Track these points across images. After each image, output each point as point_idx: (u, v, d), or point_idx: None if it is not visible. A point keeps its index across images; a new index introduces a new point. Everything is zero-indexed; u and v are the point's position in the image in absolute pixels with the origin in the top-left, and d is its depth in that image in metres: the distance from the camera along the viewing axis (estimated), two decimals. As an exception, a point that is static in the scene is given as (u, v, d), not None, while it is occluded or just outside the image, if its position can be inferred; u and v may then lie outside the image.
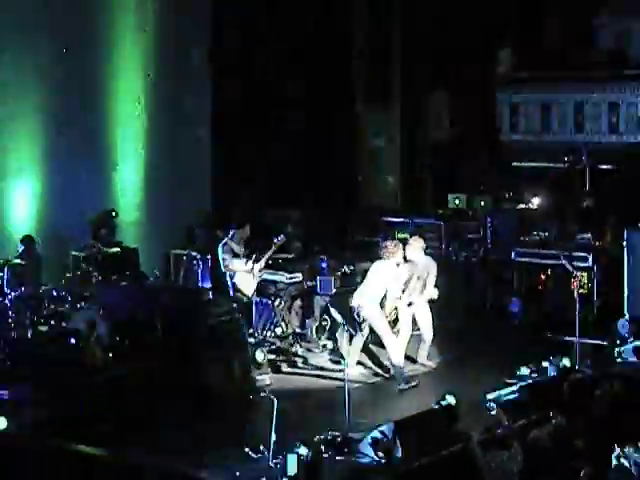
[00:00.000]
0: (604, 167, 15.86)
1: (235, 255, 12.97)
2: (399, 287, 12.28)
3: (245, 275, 12.98)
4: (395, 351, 12.16)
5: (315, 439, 9.26)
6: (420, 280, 12.43)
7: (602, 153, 16.15)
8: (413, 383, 12.00)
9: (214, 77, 16.49)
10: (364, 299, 12.19)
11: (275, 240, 13.02)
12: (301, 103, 17.40)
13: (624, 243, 13.65)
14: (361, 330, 12.36)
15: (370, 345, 12.80)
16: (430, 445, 8.93)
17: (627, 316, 13.49)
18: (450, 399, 9.77)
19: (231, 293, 13.10)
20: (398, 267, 12.25)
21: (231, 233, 13.06)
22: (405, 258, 12.42)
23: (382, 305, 12.22)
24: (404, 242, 12.65)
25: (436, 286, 12.55)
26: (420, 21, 17.91)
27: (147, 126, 15.77)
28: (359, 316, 12.20)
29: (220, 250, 13.03)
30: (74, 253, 14.22)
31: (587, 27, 17.04)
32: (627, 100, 16.22)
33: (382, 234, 15.13)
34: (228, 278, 13.13)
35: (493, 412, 8.26)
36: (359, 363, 12.53)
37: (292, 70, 17.01)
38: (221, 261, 13.03)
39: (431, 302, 12.63)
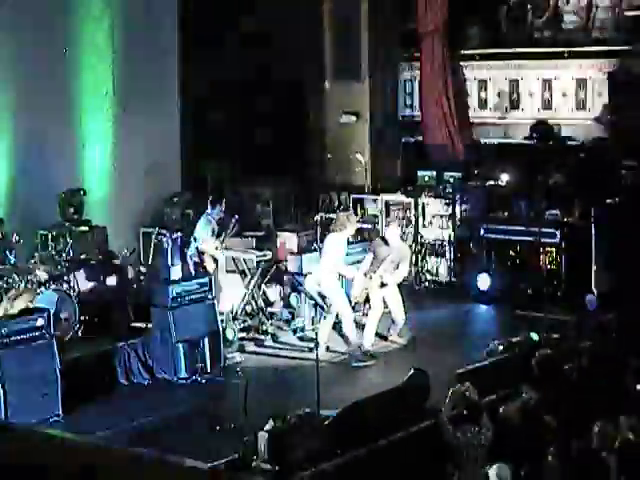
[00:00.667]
0: (572, 144, 15.93)
1: (213, 233, 12.94)
2: (369, 267, 12.31)
3: (210, 255, 12.94)
4: (351, 326, 12.18)
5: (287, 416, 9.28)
6: (393, 263, 12.45)
7: (569, 130, 16.21)
8: (369, 362, 12.01)
9: (182, 55, 16.37)
10: (321, 273, 12.21)
11: (232, 221, 13.00)
12: (269, 82, 17.33)
13: (592, 219, 13.75)
14: (331, 308, 12.39)
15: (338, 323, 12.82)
16: (398, 422, 8.97)
17: (595, 291, 13.61)
18: (419, 375, 9.83)
19: (193, 270, 13.07)
20: (345, 239, 12.24)
21: (209, 209, 13.01)
22: (384, 239, 12.47)
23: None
24: (374, 222, 12.69)
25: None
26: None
27: (115, 104, 15.63)
28: (319, 292, 12.22)
29: (202, 226, 12.95)
30: (42, 232, 14.13)
31: (555, 3, 17.06)
32: (594, 77, 16.28)
33: (351, 210, 15.13)
34: (192, 254, 13.08)
35: (462, 388, 8.30)
36: (329, 340, 12.55)
37: (260, 48, 16.93)
38: (199, 236, 12.95)
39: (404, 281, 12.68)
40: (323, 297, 12.50)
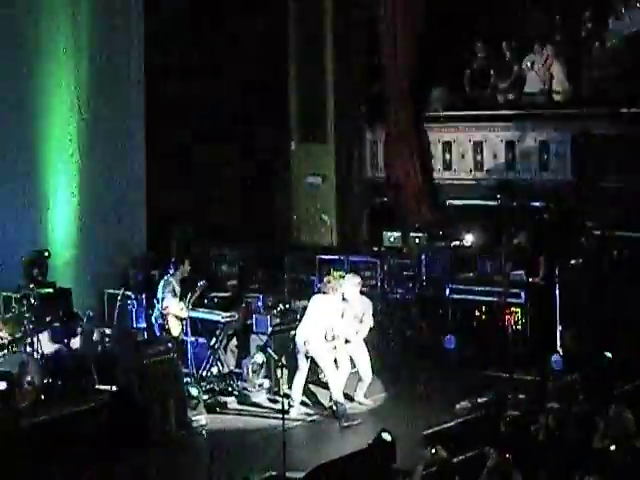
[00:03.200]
0: (536, 205, 16.09)
1: (175, 295, 12.88)
2: (341, 324, 12.30)
3: (174, 316, 12.87)
4: (338, 388, 12.17)
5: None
6: (356, 319, 12.47)
7: (533, 191, 16.39)
8: (356, 421, 12.00)
9: (147, 113, 16.42)
10: (309, 333, 12.19)
11: (198, 284, 12.97)
12: (236, 144, 17.43)
13: (556, 280, 13.84)
14: (301, 368, 12.35)
15: (308, 383, 12.78)
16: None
17: (560, 351, 13.65)
18: (386, 437, 9.78)
19: (157, 333, 13.00)
20: (340, 302, 12.29)
21: (172, 271, 12.97)
22: (343, 297, 12.47)
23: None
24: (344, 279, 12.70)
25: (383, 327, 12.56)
26: (354, 60, 18.08)
27: (80, 167, 15.63)
28: (304, 351, 12.18)
29: (161, 288, 12.92)
30: (5, 294, 14.01)
31: (518, 68, 17.36)
32: (557, 139, 16.51)
33: (318, 272, 15.15)
34: (156, 317, 13.02)
35: (433, 449, 8.28)
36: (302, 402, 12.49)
37: (228, 106, 17.05)
38: (160, 300, 12.91)
39: (365, 340, 12.65)
40: (294, 357, 12.43)
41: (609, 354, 11.85)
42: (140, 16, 16.30)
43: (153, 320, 13.02)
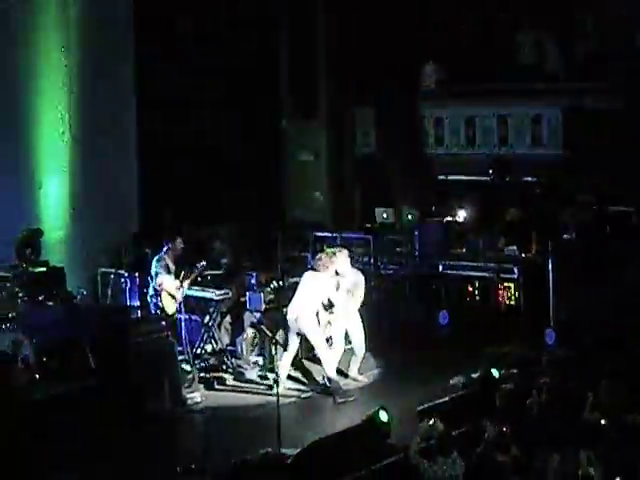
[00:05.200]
0: (528, 180, 16.10)
1: (168, 271, 12.85)
2: (334, 300, 12.30)
3: (169, 294, 12.85)
4: (331, 364, 12.18)
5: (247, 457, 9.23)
6: (350, 293, 12.47)
7: (526, 166, 16.40)
8: (351, 397, 12.02)
9: (139, 95, 16.36)
10: (300, 310, 12.19)
11: (197, 265, 12.94)
12: (227, 119, 17.38)
13: (549, 254, 13.87)
14: (291, 345, 12.37)
15: (302, 360, 12.81)
16: (360, 460, 8.94)
17: (553, 325, 13.70)
18: (381, 414, 9.80)
19: (152, 311, 12.97)
20: (332, 278, 12.28)
21: (165, 248, 12.94)
22: (336, 271, 12.46)
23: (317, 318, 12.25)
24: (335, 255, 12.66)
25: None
26: (344, 36, 18.02)
27: (71, 144, 15.58)
28: (295, 328, 12.18)
29: (155, 265, 12.87)
30: (-1, 273, 13.99)
31: (510, 42, 17.33)
32: (549, 113, 16.50)
33: (311, 248, 15.15)
34: (151, 296, 13.00)
35: (430, 422, 8.32)
36: (290, 378, 12.51)
37: (217, 87, 17.00)
38: (154, 276, 12.88)
39: (361, 315, 12.66)
40: (286, 334, 12.46)
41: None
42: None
43: (148, 298, 12.99)
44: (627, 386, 9.48)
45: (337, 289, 12.36)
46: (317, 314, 12.25)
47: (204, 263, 12.97)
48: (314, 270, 12.41)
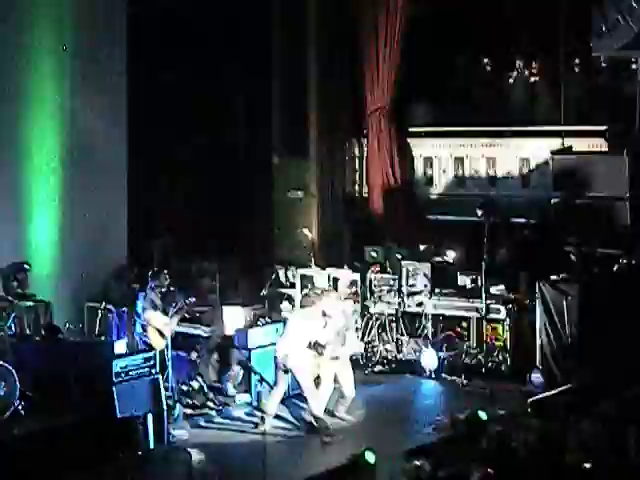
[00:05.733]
0: (517, 220, 16.16)
1: (155, 307, 12.83)
2: (325, 336, 12.27)
3: (157, 330, 12.82)
4: (317, 404, 12.13)
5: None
6: (339, 334, 12.44)
7: (515, 207, 16.46)
8: (338, 437, 11.97)
9: (129, 123, 16.40)
10: (288, 348, 12.16)
11: (186, 302, 12.93)
12: (218, 158, 17.44)
13: (536, 295, 13.89)
14: (279, 383, 12.32)
15: (289, 398, 12.76)
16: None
17: (540, 367, 13.69)
18: (367, 454, 9.74)
19: (140, 346, 12.93)
20: (320, 317, 12.26)
21: (151, 284, 12.93)
22: (324, 312, 12.45)
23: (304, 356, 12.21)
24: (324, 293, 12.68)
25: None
26: (337, 75, 18.12)
27: (62, 180, 15.60)
28: (284, 366, 12.15)
29: (141, 300, 12.87)
30: (-15, 307, 13.91)
31: (502, 83, 17.47)
32: (538, 155, 16.60)
33: (300, 286, 15.14)
34: (138, 331, 12.97)
35: (417, 462, 8.28)
36: (277, 417, 12.46)
37: (212, 120, 17.06)
38: (140, 311, 12.86)
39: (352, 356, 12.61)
40: (275, 371, 12.40)
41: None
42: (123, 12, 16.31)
43: (135, 334, 12.96)
44: (611, 428, 9.46)
45: (325, 327, 12.34)
46: (306, 351, 12.22)
47: (193, 299, 12.97)
48: (302, 307, 12.40)
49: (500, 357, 14.33)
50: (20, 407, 12.21)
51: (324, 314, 12.36)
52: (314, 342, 12.19)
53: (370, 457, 9.57)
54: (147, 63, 16.35)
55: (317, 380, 12.39)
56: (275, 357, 12.32)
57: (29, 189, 15.32)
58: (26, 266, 14.56)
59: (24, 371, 12.65)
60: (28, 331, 13.55)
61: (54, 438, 11.33)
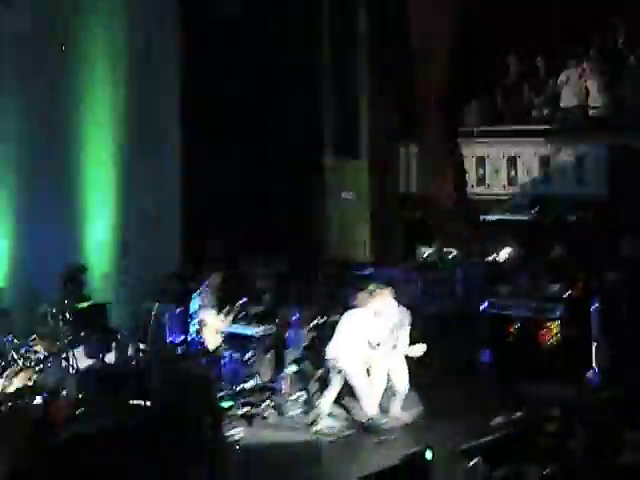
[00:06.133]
0: (572, 218, 16.03)
1: (209, 307, 12.93)
2: (374, 338, 12.26)
3: (212, 329, 12.91)
4: (370, 403, 12.13)
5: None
6: (394, 332, 12.41)
7: (569, 205, 16.33)
8: (391, 436, 11.95)
9: (182, 126, 16.54)
10: (339, 350, 12.16)
11: (240, 301, 13.02)
12: (272, 154, 17.51)
13: (592, 294, 13.76)
14: (333, 383, 12.33)
15: (344, 397, 12.76)
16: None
17: (595, 367, 13.56)
18: (426, 453, 9.72)
19: (195, 347, 13.03)
20: (372, 317, 12.25)
21: (205, 283, 13.04)
22: (376, 310, 12.42)
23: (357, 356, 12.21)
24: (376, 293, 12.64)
25: (420, 342, 12.45)
26: (388, 75, 18.11)
27: (117, 181, 15.76)
28: (335, 368, 12.17)
29: (195, 299, 12.98)
30: (42, 309, 14.07)
31: (553, 83, 17.36)
32: (592, 154, 16.46)
33: (353, 285, 15.13)
34: (194, 332, 13.07)
35: (472, 462, 8.25)
36: (331, 416, 12.46)
37: (265, 122, 17.13)
38: (195, 311, 12.97)
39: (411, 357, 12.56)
40: (327, 371, 12.42)
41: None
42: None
43: (191, 335, 13.07)
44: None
45: (378, 327, 12.31)
46: (358, 351, 12.21)
47: (246, 299, 13.05)
48: (353, 309, 12.40)
49: (555, 357, 14.20)
50: (77, 409, 12.35)
51: (377, 313, 12.34)
52: (366, 343, 12.18)
53: (429, 455, 9.56)
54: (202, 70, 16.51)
55: (369, 378, 12.38)
56: (326, 359, 12.33)
57: (84, 191, 15.49)
58: (82, 268, 14.74)
59: (80, 373, 12.81)
60: (84, 333, 13.69)
61: (109, 440, 11.44)
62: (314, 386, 12.89)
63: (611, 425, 10.17)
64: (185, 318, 13.73)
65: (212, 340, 12.83)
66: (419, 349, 12.37)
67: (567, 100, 17.18)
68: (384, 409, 12.52)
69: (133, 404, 12.47)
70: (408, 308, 12.89)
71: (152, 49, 16.21)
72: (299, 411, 12.87)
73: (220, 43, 16.73)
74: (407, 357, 12.51)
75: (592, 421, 10.18)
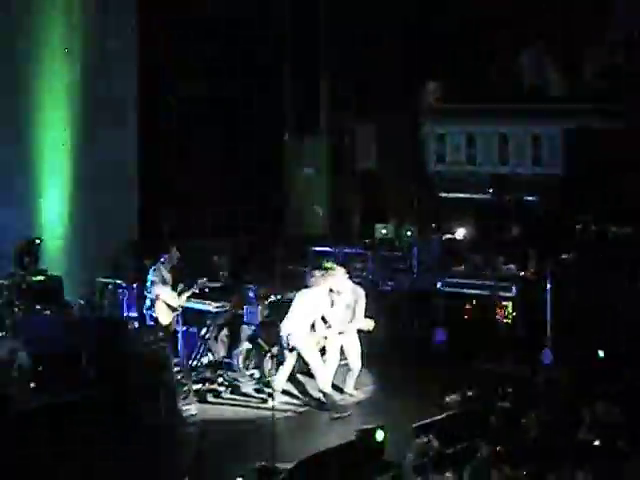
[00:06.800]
0: (527, 199, 16.14)
1: (164, 282, 12.88)
2: (329, 316, 12.30)
3: (165, 305, 12.87)
4: (325, 380, 12.17)
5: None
6: (349, 309, 12.46)
7: (525, 185, 16.43)
8: (346, 413, 12.00)
9: (140, 104, 16.39)
10: (293, 327, 12.19)
11: (197, 281, 12.98)
12: (229, 132, 17.43)
13: (547, 274, 13.87)
14: (287, 359, 12.36)
15: (297, 374, 12.80)
16: (354, 475, 8.92)
17: (550, 345, 13.68)
18: (377, 433, 9.77)
19: (148, 322, 12.98)
20: (326, 295, 12.29)
21: (161, 259, 12.98)
22: (331, 288, 12.46)
23: (311, 333, 12.24)
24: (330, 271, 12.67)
25: (370, 317, 12.56)
26: (347, 51, 18.07)
27: (73, 155, 15.61)
28: (289, 345, 12.19)
29: (151, 274, 12.92)
30: (-3, 280, 13.98)
31: (513, 60, 17.43)
32: (550, 133, 16.56)
33: (309, 263, 15.15)
34: (148, 307, 13.01)
35: (425, 439, 8.30)
36: (286, 392, 12.50)
37: (226, 98, 17.05)
38: (149, 285, 12.91)
39: (364, 332, 12.64)
40: (281, 348, 12.44)
41: (601, 353, 11.88)
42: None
43: (144, 310, 13.00)
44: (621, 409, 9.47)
45: (332, 306, 12.35)
46: (312, 328, 12.25)
47: (205, 280, 13.03)
48: (308, 287, 12.42)
49: (510, 335, 14.31)
50: (31, 382, 12.28)
51: (332, 291, 12.38)
52: (320, 320, 12.22)
53: (379, 435, 9.61)
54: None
55: (323, 354, 12.42)
56: (280, 335, 12.35)
57: (39, 165, 15.35)
58: (37, 241, 14.62)
59: (35, 346, 12.72)
60: (39, 306, 13.59)
61: (63, 412, 11.39)
62: (268, 363, 12.90)
63: (563, 403, 10.30)
64: (140, 293, 13.66)
65: (164, 315, 12.77)
66: (367, 324, 12.44)
67: (527, 80, 17.25)
68: (339, 387, 12.57)
69: (87, 379, 12.45)
70: (363, 286, 12.93)
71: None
72: (254, 387, 12.89)
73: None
74: (360, 334, 12.57)
75: (544, 399, 10.28)
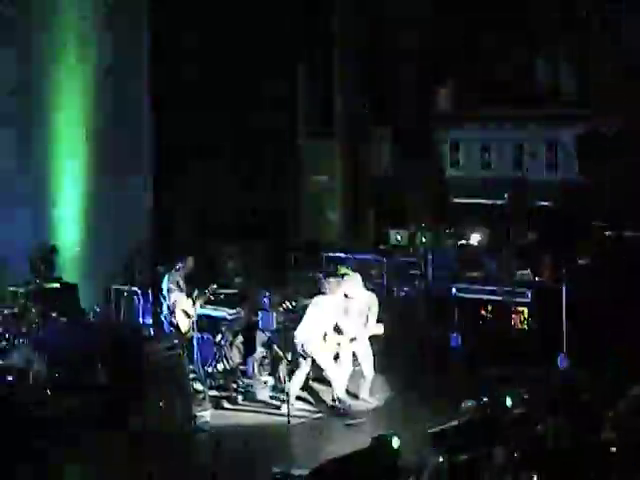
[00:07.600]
0: (542, 204, 16.10)
1: (180, 289, 12.92)
2: (343, 323, 12.30)
3: (183, 312, 12.91)
4: (340, 386, 12.17)
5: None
6: (362, 315, 12.46)
7: (540, 190, 16.39)
8: (360, 419, 12.00)
9: (154, 111, 16.45)
10: (308, 334, 12.19)
11: (209, 288, 13.02)
12: (245, 136, 17.44)
13: (562, 279, 13.83)
14: (302, 366, 12.36)
15: (312, 381, 12.79)
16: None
17: (565, 350, 13.64)
18: (393, 440, 9.74)
19: (166, 329, 13.02)
20: (341, 302, 12.29)
21: (177, 266, 13.03)
22: (345, 294, 12.46)
23: (325, 340, 12.24)
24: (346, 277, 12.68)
25: (380, 321, 12.57)
26: (362, 54, 18.08)
27: (88, 165, 15.68)
28: (304, 352, 12.20)
29: (166, 282, 12.97)
30: (12, 288, 14.01)
31: (527, 67, 17.39)
32: (564, 139, 16.52)
33: (324, 269, 15.14)
34: (165, 314, 13.04)
35: (442, 445, 8.28)
36: (300, 399, 12.50)
37: (238, 104, 17.06)
38: (166, 293, 12.95)
39: (375, 338, 12.64)
40: (295, 354, 12.45)
41: (617, 357, 11.84)
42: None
43: (162, 317, 13.04)
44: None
45: (346, 313, 12.35)
46: (325, 336, 12.25)
47: (215, 286, 13.07)
48: (322, 294, 12.43)
49: (525, 341, 14.27)
50: (47, 389, 12.31)
51: (346, 296, 12.38)
52: (334, 327, 12.22)
53: (395, 442, 9.59)
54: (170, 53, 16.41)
55: (337, 361, 12.42)
56: (295, 342, 12.35)
57: (55, 174, 15.41)
58: (53, 249, 14.67)
59: (51, 352, 12.75)
60: (55, 313, 13.62)
61: (79, 419, 11.42)
62: (283, 369, 12.91)
63: (580, 408, 10.25)
64: (155, 300, 13.69)
65: (183, 322, 12.81)
66: (377, 329, 12.44)
67: (540, 85, 17.22)
68: (353, 393, 12.56)
69: (104, 385, 12.47)
70: (378, 292, 12.94)
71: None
72: (268, 394, 12.89)
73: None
74: (372, 342, 12.57)
75: (561, 404, 10.23)
